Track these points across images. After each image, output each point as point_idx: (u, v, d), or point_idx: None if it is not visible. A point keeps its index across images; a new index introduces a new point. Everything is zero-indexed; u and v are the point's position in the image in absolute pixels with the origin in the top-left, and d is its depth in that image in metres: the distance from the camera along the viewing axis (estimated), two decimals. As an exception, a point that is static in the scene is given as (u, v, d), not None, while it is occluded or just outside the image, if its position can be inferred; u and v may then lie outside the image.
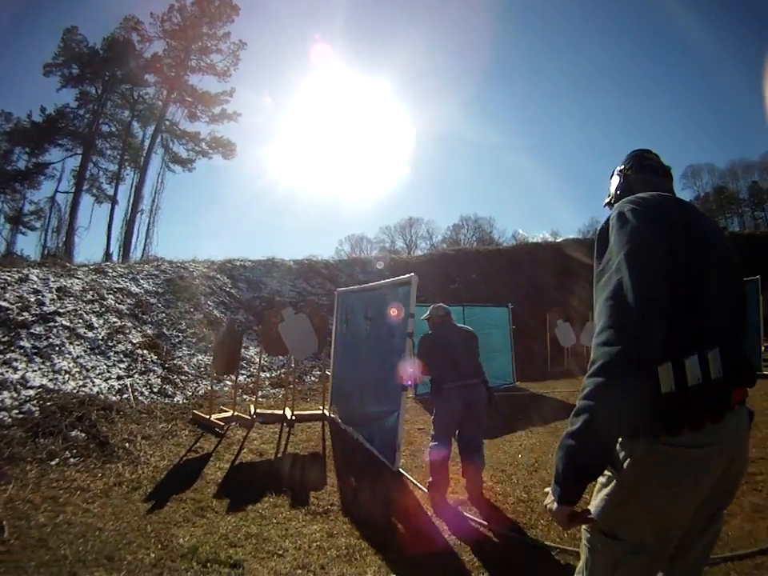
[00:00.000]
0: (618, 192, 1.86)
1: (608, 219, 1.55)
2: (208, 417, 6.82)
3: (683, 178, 52.72)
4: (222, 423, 6.68)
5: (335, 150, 70.39)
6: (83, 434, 5.41)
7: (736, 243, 21.27)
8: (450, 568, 3.35)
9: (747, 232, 28.92)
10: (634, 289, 1.34)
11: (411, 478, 4.97)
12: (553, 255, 21.19)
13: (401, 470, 5.12)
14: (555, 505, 1.37)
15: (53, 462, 4.81)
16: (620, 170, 1.93)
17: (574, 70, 75.23)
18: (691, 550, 1.62)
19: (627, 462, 1.46)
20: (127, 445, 5.50)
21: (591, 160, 79.64)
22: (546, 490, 1.45)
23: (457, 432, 4.58)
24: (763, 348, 11.94)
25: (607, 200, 1.95)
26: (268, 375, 10.06)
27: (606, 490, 1.52)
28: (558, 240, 26.68)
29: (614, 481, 1.49)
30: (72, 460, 4.94)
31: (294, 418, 7.24)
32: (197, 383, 8.76)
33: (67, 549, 3.26)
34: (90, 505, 4.07)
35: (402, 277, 5.70)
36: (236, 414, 7.07)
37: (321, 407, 8.03)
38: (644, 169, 1.86)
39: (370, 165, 74.07)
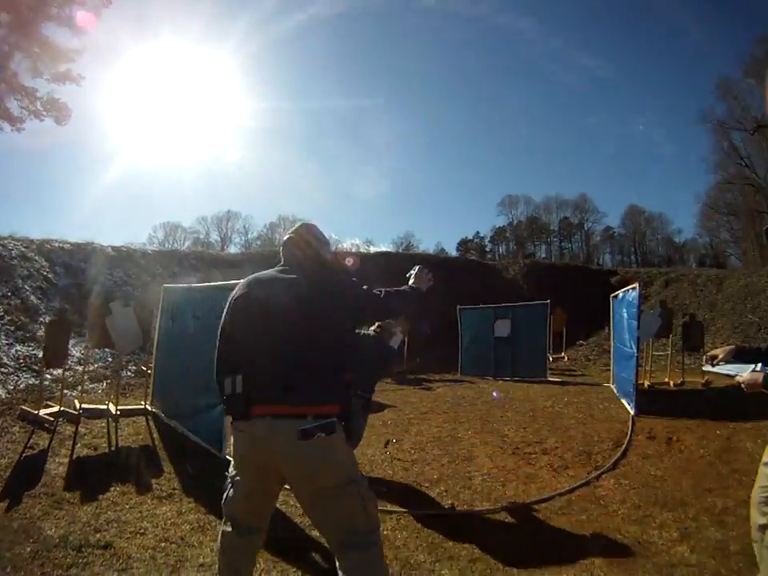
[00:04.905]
0: None
1: None
2: (36, 412, 7.21)
3: (500, 205, 64.06)
4: (52, 419, 7.15)
5: (163, 127, 67.95)
6: None
7: (544, 270, 25.77)
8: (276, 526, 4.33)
9: (547, 263, 33.55)
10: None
11: None
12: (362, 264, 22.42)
13: (228, 456, 5.94)
14: None
15: None
16: None
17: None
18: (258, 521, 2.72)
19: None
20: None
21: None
22: None
23: None
24: (551, 359, 15.77)
25: None
26: (87, 369, 10.22)
27: None
28: (371, 250, 28.53)
29: None
30: None
31: (119, 413, 7.75)
32: (17, 376, 8.88)
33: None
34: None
35: (230, 282, 6.61)
36: (62, 409, 7.51)
37: (142, 402, 8.57)
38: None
39: (195, 149, 71.71)
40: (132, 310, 8.24)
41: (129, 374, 11.29)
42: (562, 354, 17.74)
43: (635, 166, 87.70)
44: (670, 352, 12.79)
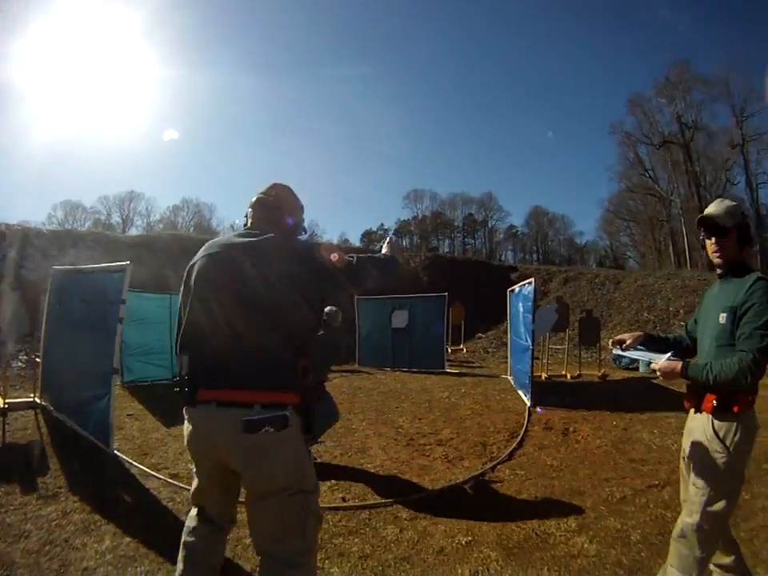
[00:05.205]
0: None
1: None
2: None
3: (405, 199, 64.89)
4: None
5: (65, 100, 64.94)
6: None
7: (446, 264, 26.20)
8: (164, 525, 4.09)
9: (450, 256, 34.00)
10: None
11: (126, 458, 5.71)
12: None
13: (116, 451, 5.76)
14: None
15: None
16: None
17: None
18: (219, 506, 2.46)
19: None
20: None
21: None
22: None
23: None
24: (450, 351, 16.17)
25: None
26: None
27: None
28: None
29: None
30: None
31: (6, 406, 7.22)
32: None
33: None
34: None
35: (117, 264, 6.35)
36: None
37: (32, 395, 8.21)
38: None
39: (99, 124, 67.92)
40: (17, 294, 7.75)
41: (20, 364, 10.65)
42: (461, 346, 18.07)
43: (542, 169, 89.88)
44: (566, 346, 13.19)
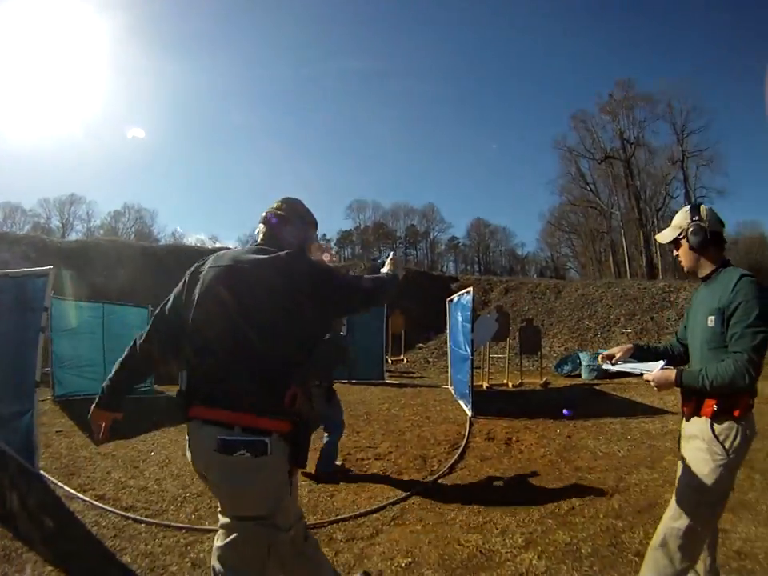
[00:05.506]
0: None
1: None
2: None
3: (348, 209, 64.86)
4: None
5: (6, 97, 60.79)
6: None
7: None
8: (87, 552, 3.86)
9: None
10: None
11: (52, 479, 5.32)
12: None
13: (42, 471, 5.42)
14: None
15: None
16: None
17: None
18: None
19: None
20: None
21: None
22: None
23: None
24: (390, 361, 16.20)
25: None
26: None
27: None
28: (216, 245, 28.10)
29: None
30: None
31: None
32: None
33: None
34: None
35: (40, 268, 5.93)
36: None
37: None
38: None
39: (42, 123, 65.58)
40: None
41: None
42: (401, 356, 17.98)
43: (484, 181, 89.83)
44: (507, 354, 13.20)
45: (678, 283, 20.83)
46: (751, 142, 58.93)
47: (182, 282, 2.38)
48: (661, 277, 32.97)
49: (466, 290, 10.10)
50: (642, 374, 2.60)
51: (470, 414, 8.39)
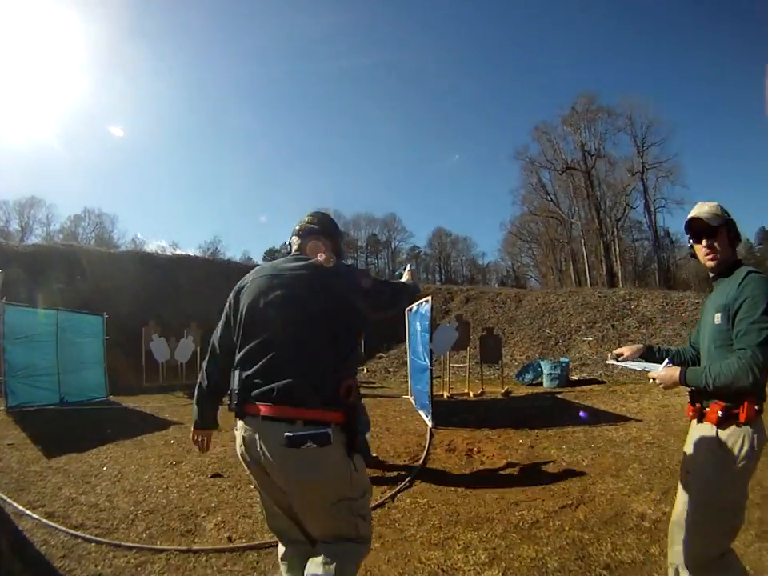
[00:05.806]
0: None
1: None
2: None
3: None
4: None
5: None
6: None
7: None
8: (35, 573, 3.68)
9: None
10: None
11: (2, 495, 5.12)
12: (164, 268, 22.21)
13: None
14: None
15: None
16: None
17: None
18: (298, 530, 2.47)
19: None
20: None
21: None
22: None
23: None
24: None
25: None
26: None
27: None
28: (177, 252, 27.93)
29: None
30: None
31: None
32: None
33: None
34: None
35: None
36: None
37: None
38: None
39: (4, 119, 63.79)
40: None
41: None
42: (362, 366, 17.79)
43: (445, 191, 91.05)
44: (468, 363, 13.15)
45: (639, 291, 21.30)
46: (711, 154, 61.58)
47: (227, 304, 2.56)
48: (621, 285, 33.80)
49: (424, 299, 9.98)
50: (646, 372, 2.57)
51: (430, 424, 8.26)
